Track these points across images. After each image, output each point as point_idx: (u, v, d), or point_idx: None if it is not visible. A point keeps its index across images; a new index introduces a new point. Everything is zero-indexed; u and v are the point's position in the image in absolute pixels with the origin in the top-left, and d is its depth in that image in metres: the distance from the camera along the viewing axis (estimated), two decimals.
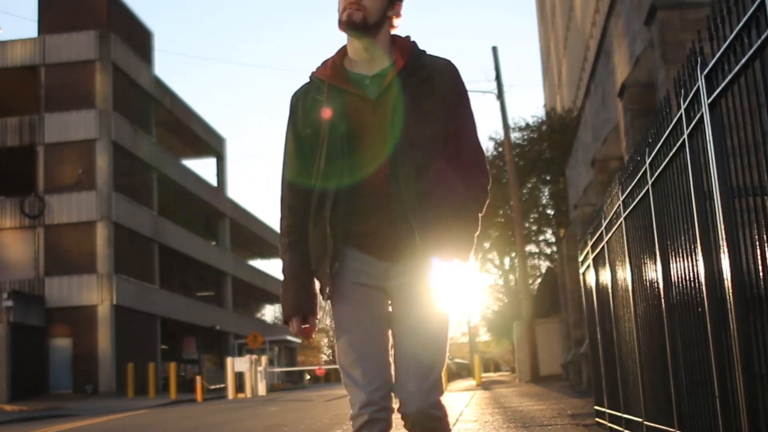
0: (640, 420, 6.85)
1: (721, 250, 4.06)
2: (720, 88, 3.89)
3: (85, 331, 40.47)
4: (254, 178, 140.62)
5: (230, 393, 33.04)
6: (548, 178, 35.41)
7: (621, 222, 6.90)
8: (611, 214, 7.47)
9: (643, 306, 6.36)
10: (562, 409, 13.08)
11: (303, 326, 3.32)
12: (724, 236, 4.00)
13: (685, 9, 10.04)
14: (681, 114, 4.56)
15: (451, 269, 3.29)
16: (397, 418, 3.28)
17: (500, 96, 29.25)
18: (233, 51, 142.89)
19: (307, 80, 3.42)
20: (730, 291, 3.96)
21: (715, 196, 4.09)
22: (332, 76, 3.32)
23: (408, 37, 3.40)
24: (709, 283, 4.36)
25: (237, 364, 34.45)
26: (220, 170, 60.43)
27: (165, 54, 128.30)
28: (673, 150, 4.85)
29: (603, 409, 9.33)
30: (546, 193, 36.44)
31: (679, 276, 5.05)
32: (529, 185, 35.93)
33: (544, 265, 40.72)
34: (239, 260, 63.82)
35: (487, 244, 39.05)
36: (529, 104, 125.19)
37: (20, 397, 36.29)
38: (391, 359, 3.29)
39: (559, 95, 43.82)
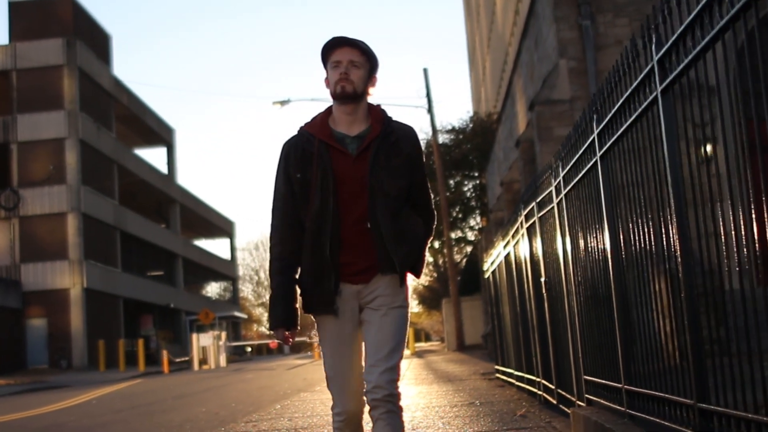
0: (512, 371, 12.05)
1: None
2: (530, 222, 8.98)
3: (59, 312, 44.35)
4: (201, 163, 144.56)
5: (195, 365, 37.08)
6: (474, 174, 39.75)
7: (502, 257, 12.04)
8: (499, 248, 12.57)
9: (510, 301, 11.52)
10: (477, 370, 17.85)
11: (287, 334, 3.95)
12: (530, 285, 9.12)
13: (554, 105, 15.07)
14: (520, 222, 9.67)
15: (408, 281, 4.04)
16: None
17: (430, 110, 33.78)
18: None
19: (296, 132, 4.00)
20: (530, 278, 9.08)
21: (526, 281, 9.20)
22: (321, 133, 3.92)
23: (379, 106, 4.06)
24: (533, 278, 9.47)
25: (202, 339, 38.67)
26: (170, 159, 64.08)
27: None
28: (518, 239, 9.94)
29: (499, 367, 14.51)
30: (470, 187, 40.93)
31: (521, 289, 10.17)
32: (456, 179, 40.14)
33: (469, 248, 45.29)
34: (187, 242, 67.72)
35: None
36: (457, 109, 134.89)
37: (1, 372, 39.45)
38: (363, 356, 3.94)
39: (483, 88, 46.84)
